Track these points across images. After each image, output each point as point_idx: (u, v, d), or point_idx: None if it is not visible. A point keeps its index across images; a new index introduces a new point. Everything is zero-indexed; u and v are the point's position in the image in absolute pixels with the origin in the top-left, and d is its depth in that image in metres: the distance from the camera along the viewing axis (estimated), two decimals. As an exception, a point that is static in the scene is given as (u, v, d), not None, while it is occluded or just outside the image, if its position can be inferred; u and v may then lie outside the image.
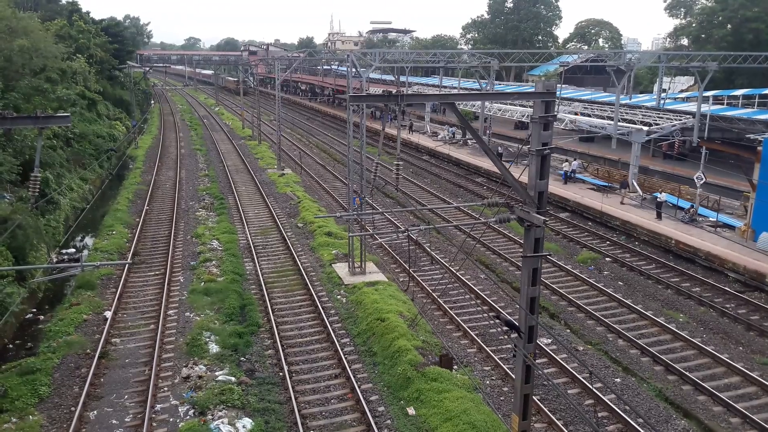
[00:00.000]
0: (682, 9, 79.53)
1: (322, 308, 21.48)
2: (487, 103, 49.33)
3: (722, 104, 50.23)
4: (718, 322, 20.95)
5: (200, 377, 17.22)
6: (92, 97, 54.57)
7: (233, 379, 17.07)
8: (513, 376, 15.40)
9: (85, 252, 28.66)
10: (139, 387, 16.79)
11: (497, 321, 19.33)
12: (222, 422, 15.06)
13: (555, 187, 36.37)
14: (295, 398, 16.04)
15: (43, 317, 21.79)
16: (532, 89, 9.71)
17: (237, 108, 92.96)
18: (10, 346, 19.79)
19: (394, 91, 9.65)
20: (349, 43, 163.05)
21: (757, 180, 26.64)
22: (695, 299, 22.69)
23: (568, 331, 20.58)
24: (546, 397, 16.44)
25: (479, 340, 19.32)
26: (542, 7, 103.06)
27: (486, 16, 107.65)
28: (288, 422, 15.28)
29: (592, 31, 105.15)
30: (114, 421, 15.35)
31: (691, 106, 42.92)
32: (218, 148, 58.09)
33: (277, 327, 20.11)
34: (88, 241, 31.38)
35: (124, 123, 64.02)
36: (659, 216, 30.41)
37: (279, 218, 33.28)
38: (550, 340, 19.46)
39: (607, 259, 27.15)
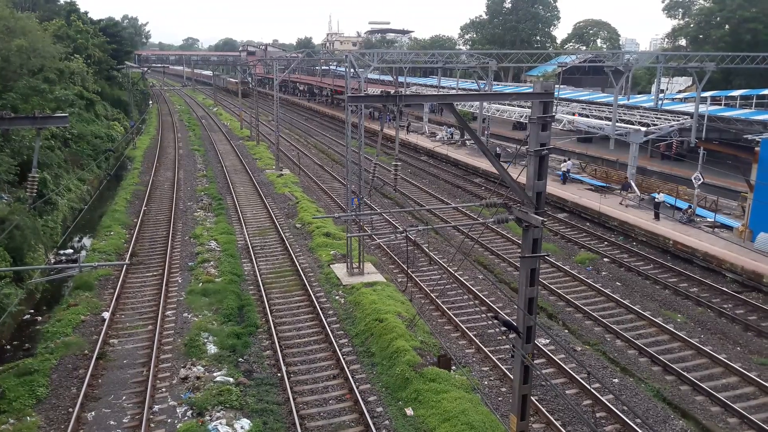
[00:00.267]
0: (680, 9, 79.67)
1: (321, 309, 21.47)
2: (485, 104, 49.37)
3: (720, 105, 50.36)
4: (715, 323, 20.98)
5: (198, 378, 17.20)
6: (90, 98, 54.49)
7: (231, 379, 17.06)
8: (511, 377, 15.42)
9: (83, 253, 28.62)
10: (137, 388, 16.77)
11: (495, 321, 19.36)
12: (220, 423, 15.04)
13: (553, 188, 36.40)
14: (294, 399, 16.03)
15: (40, 318, 21.75)
16: (531, 90, 9.72)
17: (235, 108, 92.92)
18: (8, 347, 19.75)
19: (392, 91, 9.65)
20: (347, 44, 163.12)
21: (754, 180, 26.69)
22: (693, 299, 22.71)
23: (566, 331, 20.59)
24: (544, 397, 16.45)
25: (477, 341, 19.32)
26: (540, 7, 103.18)
27: (484, 16, 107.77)
28: (286, 423, 15.26)
29: (591, 31, 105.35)
30: (112, 422, 15.33)
31: (689, 107, 43.01)
32: (216, 149, 58.05)
33: (275, 328, 20.10)
34: (86, 241, 31.34)
35: (122, 123, 63.93)
36: (657, 216, 30.46)
37: (277, 219, 33.26)
38: (548, 341, 19.47)
39: (605, 259, 27.18)
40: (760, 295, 22.92)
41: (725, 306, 22.08)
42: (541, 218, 9.48)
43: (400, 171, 23.76)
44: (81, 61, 55.73)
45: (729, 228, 28.78)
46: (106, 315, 20.80)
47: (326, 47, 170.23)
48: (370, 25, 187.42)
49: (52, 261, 26.80)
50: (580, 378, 16.98)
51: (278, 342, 19.10)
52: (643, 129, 36.96)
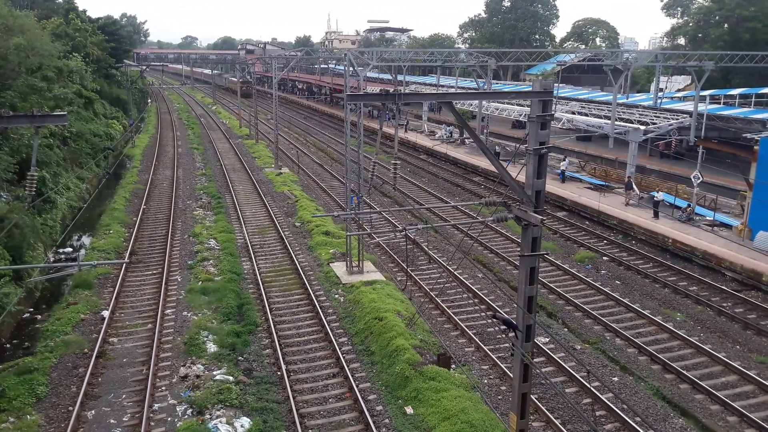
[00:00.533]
0: (679, 8, 79.73)
1: (320, 307, 21.48)
2: (484, 102, 49.35)
3: (719, 103, 50.39)
4: (715, 321, 21.01)
5: (198, 376, 17.20)
6: (89, 96, 54.39)
7: (231, 378, 17.07)
8: (511, 375, 15.45)
9: (82, 251, 28.60)
10: (137, 386, 16.77)
11: (495, 320, 19.38)
12: (220, 421, 15.05)
13: (552, 187, 36.42)
14: (293, 397, 16.04)
15: (40, 317, 21.74)
16: (530, 88, 9.72)
17: (234, 107, 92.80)
18: (8, 345, 19.75)
19: (391, 90, 9.64)
20: (346, 42, 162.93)
21: (753, 179, 26.72)
22: (692, 298, 22.74)
23: (566, 329, 20.62)
24: (544, 395, 16.47)
25: (477, 339, 19.34)
26: (539, 6, 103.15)
27: (483, 15, 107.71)
28: (286, 421, 15.27)
29: (590, 30, 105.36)
30: (112, 421, 15.33)
31: (688, 106, 43.03)
32: (215, 147, 58.00)
33: (274, 326, 20.10)
34: (85, 240, 31.32)
35: (120, 122, 63.83)
36: (656, 215, 30.49)
37: (276, 217, 33.25)
38: (547, 339, 19.49)
39: (605, 258, 27.20)
40: (759, 293, 22.95)
41: (724, 304, 22.10)
42: (541, 217, 9.48)
43: (399, 169, 23.76)
44: (79, 60, 55.59)
45: (728, 226, 28.81)
46: (106, 313, 20.80)
47: (325, 46, 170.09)
48: (369, 23, 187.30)
49: (52, 259, 26.78)
50: (580, 376, 17.01)
51: (278, 340, 19.10)
52: (642, 128, 36.98)
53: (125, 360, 18.24)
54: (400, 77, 64.14)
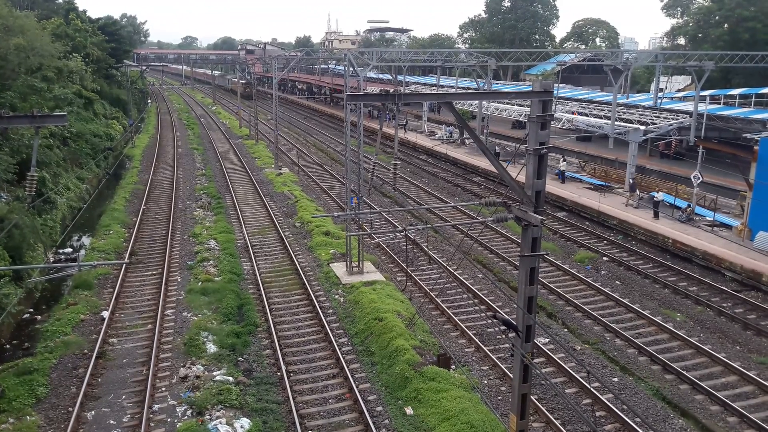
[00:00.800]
0: (678, 8, 79.73)
1: (320, 308, 21.47)
2: (484, 103, 49.35)
3: (719, 104, 50.39)
4: (715, 321, 21.00)
5: (198, 377, 17.20)
6: (89, 96, 54.39)
7: (231, 379, 17.06)
8: (511, 376, 15.44)
9: (82, 252, 28.60)
10: (137, 387, 16.77)
11: (495, 320, 19.38)
12: (220, 422, 15.04)
13: (552, 187, 36.41)
14: (293, 398, 16.03)
15: (40, 317, 21.73)
16: (530, 88, 9.72)
17: (234, 107, 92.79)
18: (7, 346, 19.74)
19: (391, 90, 9.64)
20: (346, 42, 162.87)
21: (753, 179, 26.71)
22: (692, 298, 22.73)
23: (566, 330, 20.61)
24: (544, 396, 16.46)
25: (477, 340, 19.33)
26: (539, 6, 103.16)
27: (483, 15, 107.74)
28: (286, 422, 15.27)
29: (590, 30, 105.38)
30: (112, 422, 15.33)
31: (688, 106, 43.02)
32: (215, 148, 58.00)
33: (274, 327, 20.10)
34: (85, 240, 31.31)
35: (120, 122, 63.84)
36: (656, 215, 30.48)
37: (276, 218, 33.25)
38: (547, 340, 19.48)
39: (605, 258, 27.19)
40: (759, 293, 22.94)
41: (724, 305, 22.09)
42: (541, 217, 9.48)
43: (399, 170, 23.72)
44: (79, 60, 55.56)
45: (728, 227, 28.79)
46: (106, 314, 20.80)
47: (325, 46, 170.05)
48: (369, 23, 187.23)
49: (51, 260, 26.77)
50: (580, 377, 17.00)
51: (278, 341, 19.09)
52: (642, 128, 36.97)
53: (125, 360, 18.23)
54: (400, 77, 64.13)
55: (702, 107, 40.60)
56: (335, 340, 19.12)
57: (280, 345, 18.88)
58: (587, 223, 32.39)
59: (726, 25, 63.05)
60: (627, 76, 50.72)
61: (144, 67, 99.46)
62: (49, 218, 29.07)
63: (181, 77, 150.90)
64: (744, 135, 34.41)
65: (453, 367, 17.53)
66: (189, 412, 15.63)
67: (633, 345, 19.18)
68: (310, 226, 31.29)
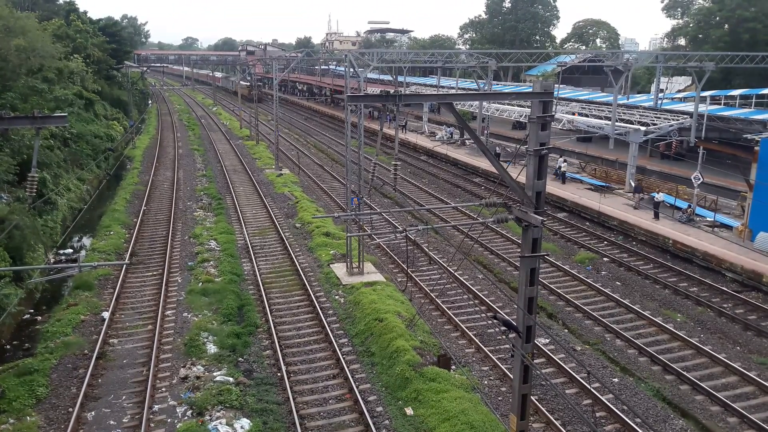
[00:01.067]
0: (679, 9, 79.77)
1: (320, 308, 21.47)
2: (484, 103, 49.36)
3: (719, 104, 50.37)
4: (715, 322, 20.99)
5: (198, 378, 17.20)
6: (90, 97, 54.45)
7: (231, 379, 17.06)
8: (511, 376, 15.43)
9: (83, 252, 28.60)
10: (137, 388, 16.77)
11: (495, 321, 19.40)
12: (220, 423, 15.04)
13: (553, 187, 36.41)
14: (294, 399, 16.03)
15: (40, 318, 21.74)
16: (530, 89, 9.73)
17: (235, 108, 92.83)
18: (8, 346, 19.74)
19: (392, 91, 9.65)
20: (346, 43, 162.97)
21: (754, 180, 26.71)
22: (693, 299, 22.72)
23: (566, 331, 20.60)
24: (544, 397, 16.46)
25: (477, 340, 19.33)
26: (540, 7, 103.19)
27: (484, 16, 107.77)
28: (286, 422, 15.26)
29: (590, 31, 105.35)
30: (112, 422, 15.33)
31: (689, 106, 43.02)
32: (216, 149, 58.03)
33: (275, 327, 20.10)
34: (86, 241, 31.32)
35: (121, 123, 63.90)
36: (657, 216, 30.47)
37: (277, 218, 33.26)
38: (548, 340, 19.48)
39: (605, 259, 27.19)
40: (760, 294, 22.93)
41: (725, 305, 22.08)
42: (541, 218, 9.48)
43: (399, 170, 23.74)
44: (80, 61, 55.68)
45: (729, 227, 28.79)
46: (106, 315, 20.80)
47: (326, 47, 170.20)
48: (369, 24, 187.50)
49: (52, 261, 26.78)
50: (580, 377, 16.99)
51: (278, 342, 19.10)
52: (643, 128, 36.98)
53: (125, 361, 18.23)
54: (400, 78, 64.20)
55: (702, 108, 40.60)
56: (335, 341, 19.12)
57: (280, 345, 18.88)
58: (588, 223, 32.38)
59: (726, 26, 63.06)
60: (627, 77, 50.78)
61: (145, 68, 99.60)
62: (49, 219, 29.09)
63: (181, 78, 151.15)
64: (744, 136, 34.44)
65: (453, 367, 17.53)
66: (189, 413, 15.63)
67: (633, 346, 19.17)
68: (311, 226, 31.30)
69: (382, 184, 39.26)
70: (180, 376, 17.34)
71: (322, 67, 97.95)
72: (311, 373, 17.56)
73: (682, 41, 76.08)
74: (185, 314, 21.47)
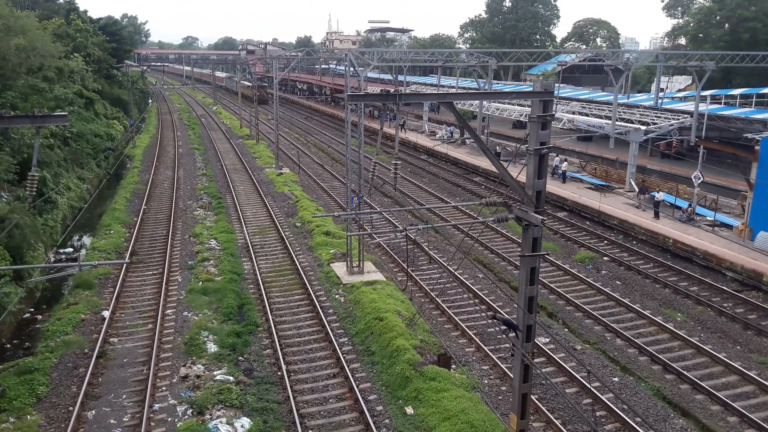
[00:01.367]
0: (679, 9, 79.75)
1: (321, 308, 21.47)
2: (485, 103, 49.35)
3: (720, 104, 50.37)
4: (715, 321, 20.99)
5: (198, 377, 17.21)
6: (90, 96, 54.45)
7: (231, 378, 17.07)
8: (511, 375, 15.44)
9: (83, 251, 28.62)
10: (138, 386, 16.78)
11: (495, 320, 19.41)
12: (220, 422, 15.05)
13: (553, 187, 36.40)
14: (294, 397, 16.04)
15: (40, 317, 21.74)
16: (530, 89, 9.72)
17: (235, 107, 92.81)
18: (8, 345, 19.75)
19: (392, 90, 9.64)
20: (347, 43, 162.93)
21: (754, 179, 26.70)
22: (693, 298, 22.72)
23: (566, 330, 20.60)
24: (544, 396, 16.46)
25: (477, 340, 19.33)
26: (540, 6, 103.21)
27: (484, 15, 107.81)
28: (286, 421, 15.27)
29: (590, 30, 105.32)
30: (112, 421, 15.34)
31: (689, 106, 43.00)
32: (216, 148, 58.02)
33: (275, 326, 20.10)
34: (86, 240, 31.33)
35: (121, 122, 63.89)
36: (657, 215, 30.47)
37: (277, 217, 33.26)
38: (548, 339, 19.48)
39: (605, 258, 27.19)
40: (760, 293, 22.93)
41: (725, 305, 22.09)
42: (541, 217, 9.49)
43: (399, 170, 23.78)
44: (80, 60, 55.68)
45: (729, 227, 28.78)
46: (106, 314, 20.81)
47: (326, 46, 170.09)
48: (369, 23, 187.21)
49: (52, 260, 26.79)
50: (580, 377, 17.00)
51: (278, 341, 19.10)
52: (643, 128, 36.96)
53: (126, 360, 18.24)
54: (400, 77, 64.14)
55: (703, 107, 40.58)
56: (336, 340, 19.12)
57: (280, 344, 18.89)
58: (588, 223, 32.37)
59: (727, 25, 63.05)
60: (628, 76, 50.73)
61: (145, 67, 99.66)
62: (49, 218, 29.09)
63: (181, 77, 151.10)
64: (745, 135, 34.40)
65: (453, 366, 17.53)
66: (189, 412, 15.64)
67: (633, 345, 19.18)
68: (311, 225, 31.30)
69: (382, 183, 39.26)
70: (180, 375, 17.35)
71: (323, 66, 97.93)
72: (311, 372, 17.56)
73: (682, 40, 76.07)
74: (185, 313, 21.48)
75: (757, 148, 26.91)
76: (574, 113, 45.64)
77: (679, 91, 64.25)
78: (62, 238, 29.15)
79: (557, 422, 15.02)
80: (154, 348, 18.41)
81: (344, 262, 25.51)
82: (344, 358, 18.05)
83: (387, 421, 15.33)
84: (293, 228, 31.85)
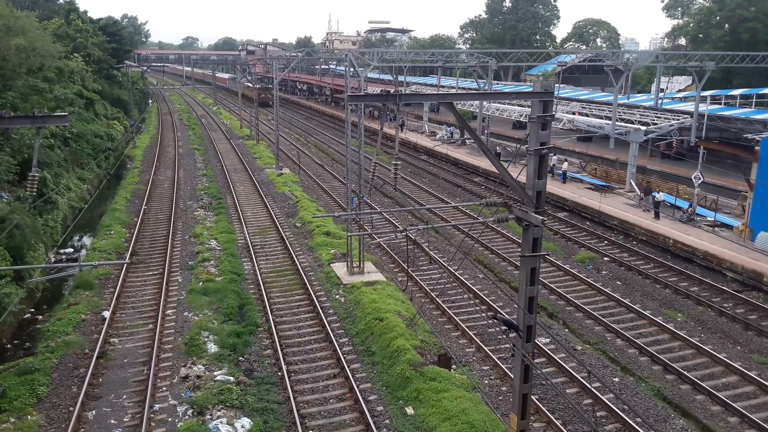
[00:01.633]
0: (679, 9, 79.76)
1: (321, 308, 21.48)
2: (485, 103, 49.36)
3: (720, 104, 50.36)
4: (716, 322, 20.99)
5: (199, 377, 17.21)
6: (90, 97, 54.47)
7: (232, 378, 17.07)
8: (511, 376, 15.43)
9: (83, 252, 28.62)
10: (138, 387, 16.78)
11: (495, 320, 19.41)
12: (221, 422, 15.05)
13: (553, 187, 36.39)
14: (294, 398, 16.04)
15: (41, 317, 21.75)
16: (530, 89, 9.73)
17: (235, 108, 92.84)
18: (9, 346, 19.76)
19: (392, 90, 9.65)
20: (347, 43, 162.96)
21: (754, 179, 26.71)
22: (693, 298, 22.72)
23: (567, 330, 20.60)
24: (544, 396, 16.46)
25: (478, 340, 19.33)
26: (540, 6, 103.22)
27: (484, 15, 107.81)
28: (287, 422, 15.27)
29: (590, 30, 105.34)
30: (112, 421, 15.34)
31: (689, 106, 43.01)
32: (216, 148, 58.03)
33: (275, 327, 20.11)
34: (86, 240, 31.34)
35: (121, 122, 63.91)
36: (657, 215, 30.47)
37: (277, 218, 33.26)
38: (548, 340, 19.48)
39: (606, 258, 27.19)
40: (761, 294, 22.93)
41: (725, 305, 22.08)
42: (541, 217, 9.49)
43: (400, 170, 23.75)
44: (80, 60, 55.71)
45: (729, 227, 28.79)
46: (107, 314, 20.81)
47: (326, 46, 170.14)
48: (369, 24, 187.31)
49: (53, 260, 26.79)
50: (581, 377, 17.00)
51: (278, 341, 19.10)
52: (643, 128, 36.97)
53: (126, 360, 18.24)
54: (400, 78, 64.18)
55: (703, 107, 40.60)
56: (336, 340, 19.13)
57: (280, 345, 18.89)
58: (588, 223, 32.37)
59: (727, 26, 63.04)
60: (628, 77, 50.75)
61: (145, 68, 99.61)
62: (50, 218, 29.10)
63: (182, 78, 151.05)
64: (745, 135, 34.41)
65: (454, 367, 17.53)
66: (190, 412, 15.64)
67: (634, 345, 19.18)
68: (311, 226, 31.31)
69: (382, 183, 39.27)
70: (181, 375, 17.35)
71: (323, 66, 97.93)
72: (312, 373, 17.56)
73: (682, 41, 76.07)
74: (186, 313, 21.48)
75: (757, 148, 26.91)
76: (574, 113, 45.64)
77: (679, 91, 64.26)
78: (62, 238, 29.16)
79: (558, 422, 15.02)
80: (155, 348, 18.42)
81: (344, 262, 25.51)
82: (345, 358, 18.05)
83: (387, 421, 15.33)
84: (293, 228, 31.85)
